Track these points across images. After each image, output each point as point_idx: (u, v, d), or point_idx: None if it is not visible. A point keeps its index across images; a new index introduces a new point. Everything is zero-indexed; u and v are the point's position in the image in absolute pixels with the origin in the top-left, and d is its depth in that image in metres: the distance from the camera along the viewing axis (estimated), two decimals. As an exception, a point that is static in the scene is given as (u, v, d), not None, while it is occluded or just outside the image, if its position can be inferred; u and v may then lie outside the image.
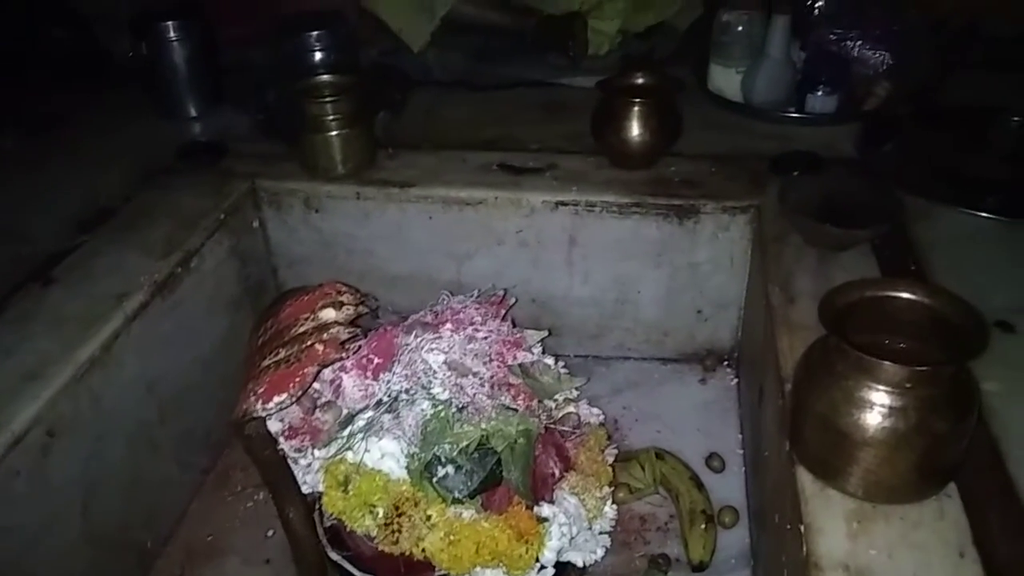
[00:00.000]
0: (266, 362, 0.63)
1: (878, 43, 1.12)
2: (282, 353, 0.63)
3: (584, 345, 1.11)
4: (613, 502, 0.85)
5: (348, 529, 0.71)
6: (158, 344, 0.85)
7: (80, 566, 0.76)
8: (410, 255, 1.06)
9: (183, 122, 1.21)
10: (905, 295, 0.59)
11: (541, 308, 1.08)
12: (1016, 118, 1.02)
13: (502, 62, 1.35)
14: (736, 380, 1.07)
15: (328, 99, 0.97)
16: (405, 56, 1.36)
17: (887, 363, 0.54)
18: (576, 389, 0.86)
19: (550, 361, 0.84)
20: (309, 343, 0.62)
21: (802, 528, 0.58)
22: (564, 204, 0.99)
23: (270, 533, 0.89)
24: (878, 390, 0.55)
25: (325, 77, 1.01)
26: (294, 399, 0.61)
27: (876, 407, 0.55)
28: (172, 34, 1.18)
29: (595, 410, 0.88)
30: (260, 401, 0.61)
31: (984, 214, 0.90)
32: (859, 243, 0.83)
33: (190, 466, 0.94)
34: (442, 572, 0.71)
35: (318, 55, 1.19)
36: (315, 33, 1.19)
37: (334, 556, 0.75)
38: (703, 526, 0.84)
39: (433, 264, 1.06)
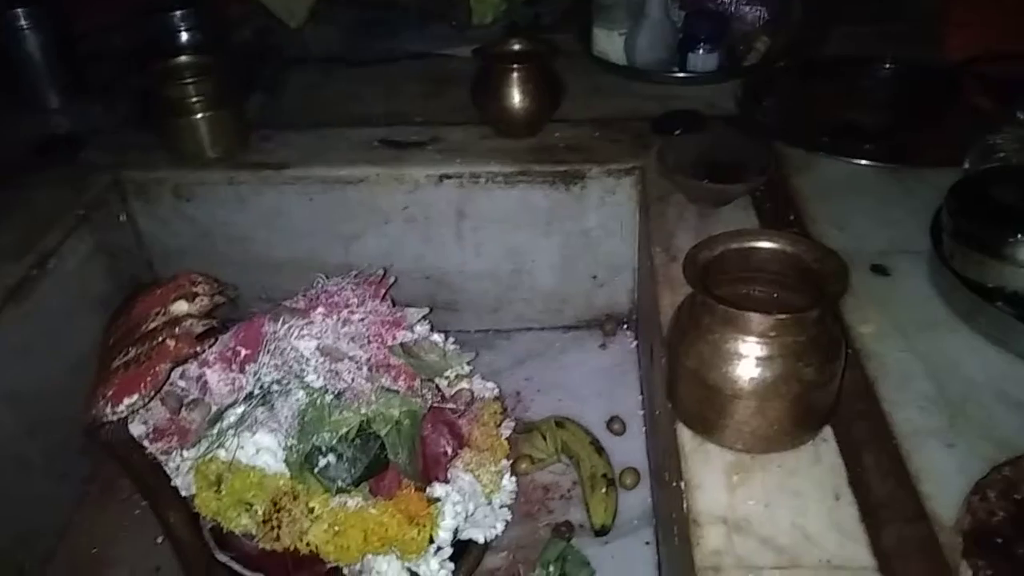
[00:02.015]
0: (116, 363, 0.59)
1: (754, -1, 1.12)
2: (132, 352, 0.59)
3: (484, 319, 1.09)
4: (514, 474, 0.84)
5: (225, 530, 0.68)
6: (16, 354, 0.79)
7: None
8: (293, 239, 1.01)
9: (44, 115, 1.13)
10: (767, 244, 0.59)
11: (437, 285, 1.06)
12: (887, 66, 1.05)
13: (384, 35, 1.31)
14: (636, 342, 1.07)
15: (189, 80, 0.92)
16: (281, 34, 1.30)
17: (749, 313, 0.53)
18: (468, 364, 0.84)
19: (438, 338, 0.82)
20: (160, 339, 0.59)
21: (682, 485, 0.58)
22: (448, 177, 0.97)
23: (159, 539, 0.84)
24: (744, 341, 0.54)
25: (184, 58, 0.95)
26: (147, 399, 0.58)
27: (743, 359, 0.54)
28: (23, 22, 1.09)
29: (490, 384, 0.86)
30: (110, 404, 0.57)
31: (861, 161, 0.92)
32: (737, 197, 0.83)
33: (68, 478, 0.88)
34: (332, 564, 0.69)
35: (184, 35, 1.13)
36: (179, 13, 1.12)
37: (221, 558, 0.72)
38: (603, 490, 0.84)
39: (319, 247, 1.02)
